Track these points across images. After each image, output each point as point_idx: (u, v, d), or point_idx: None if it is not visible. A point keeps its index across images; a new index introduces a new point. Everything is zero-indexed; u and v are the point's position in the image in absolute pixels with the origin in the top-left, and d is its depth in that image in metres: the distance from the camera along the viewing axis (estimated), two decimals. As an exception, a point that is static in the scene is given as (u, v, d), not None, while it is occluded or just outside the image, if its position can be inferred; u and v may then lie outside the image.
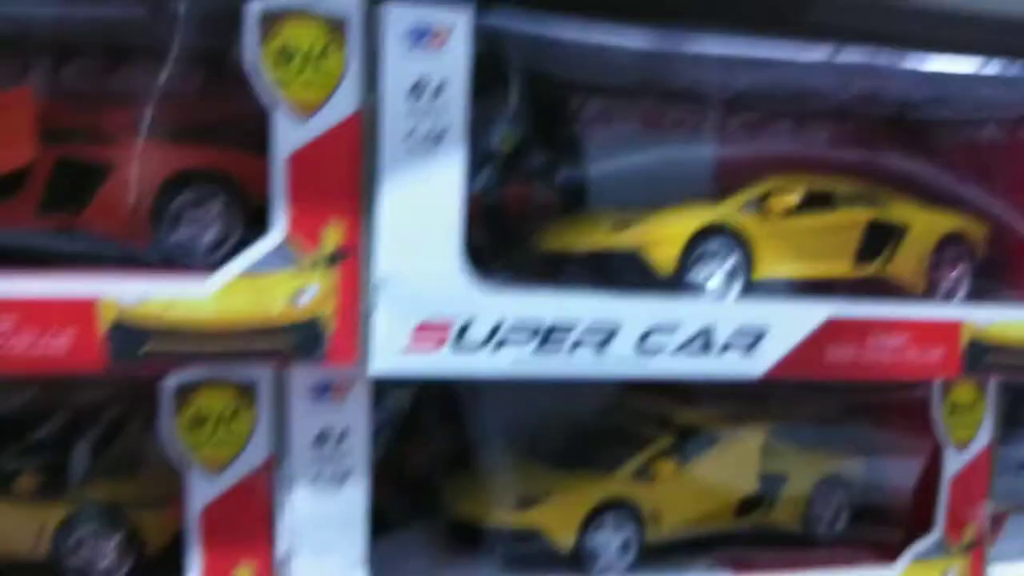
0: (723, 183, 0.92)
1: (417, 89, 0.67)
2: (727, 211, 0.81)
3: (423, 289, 0.68)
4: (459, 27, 0.67)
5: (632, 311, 0.73)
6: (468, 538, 0.87)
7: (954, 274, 0.90)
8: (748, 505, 0.93)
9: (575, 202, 1.00)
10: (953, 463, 0.91)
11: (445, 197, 0.68)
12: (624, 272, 0.78)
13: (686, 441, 0.90)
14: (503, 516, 0.85)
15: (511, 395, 0.98)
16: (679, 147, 1.01)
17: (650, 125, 1.00)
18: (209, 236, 0.73)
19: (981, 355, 0.82)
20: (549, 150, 0.99)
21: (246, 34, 0.64)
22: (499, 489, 0.88)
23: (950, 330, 0.81)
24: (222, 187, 0.73)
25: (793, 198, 0.82)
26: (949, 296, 0.90)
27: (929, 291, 0.88)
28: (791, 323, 0.77)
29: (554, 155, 1.00)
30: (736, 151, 1.00)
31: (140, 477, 0.80)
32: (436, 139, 0.67)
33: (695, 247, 0.78)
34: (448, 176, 0.68)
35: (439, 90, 0.67)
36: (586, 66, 0.84)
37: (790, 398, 0.99)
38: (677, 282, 0.78)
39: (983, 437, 0.92)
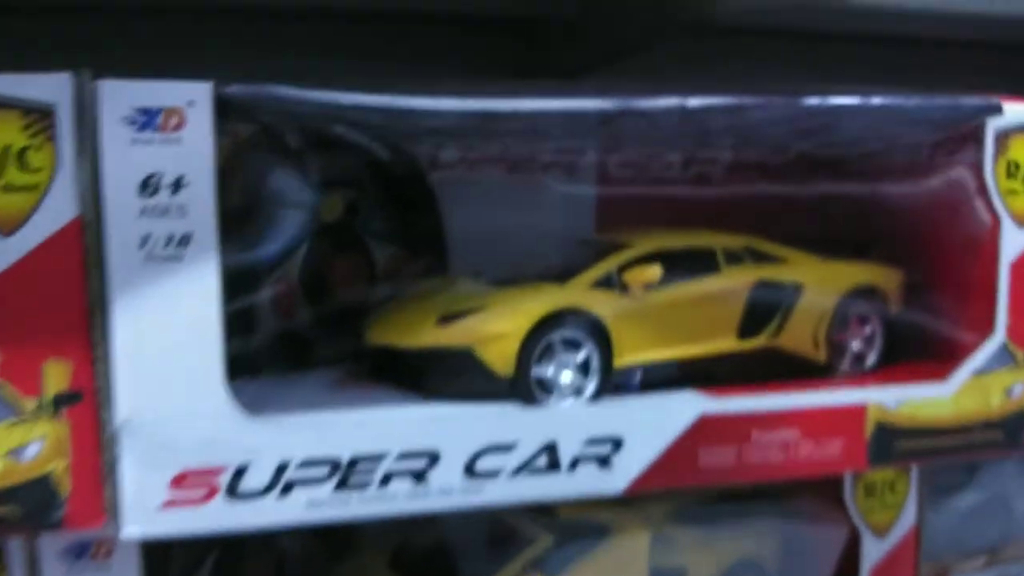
0: (605, 235, 0.79)
1: (149, 185, 0.54)
2: (574, 293, 0.68)
3: (180, 430, 0.55)
4: (199, 105, 0.54)
5: (456, 431, 0.61)
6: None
7: (863, 334, 0.78)
8: (641, 612, 0.81)
9: (434, 263, 0.87)
10: (872, 551, 0.79)
11: (198, 316, 0.55)
12: (457, 374, 0.65)
13: (563, 544, 0.78)
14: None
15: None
16: (552, 192, 0.89)
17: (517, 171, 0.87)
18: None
19: (891, 442, 0.70)
20: (394, 209, 0.87)
21: (-80, 135, 0.51)
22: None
23: (852, 417, 0.69)
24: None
25: (654, 271, 0.69)
26: (858, 362, 0.77)
27: (831, 360, 0.76)
28: (654, 426, 0.64)
29: (402, 214, 0.87)
30: (618, 201, 0.88)
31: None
32: (180, 245, 0.54)
33: (537, 340, 0.65)
34: (200, 289, 0.55)
35: (178, 184, 0.54)
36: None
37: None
38: (519, 382, 0.65)
39: (907, 519, 0.80)
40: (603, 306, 0.67)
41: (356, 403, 0.63)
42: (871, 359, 0.78)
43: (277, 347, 0.71)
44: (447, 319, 0.66)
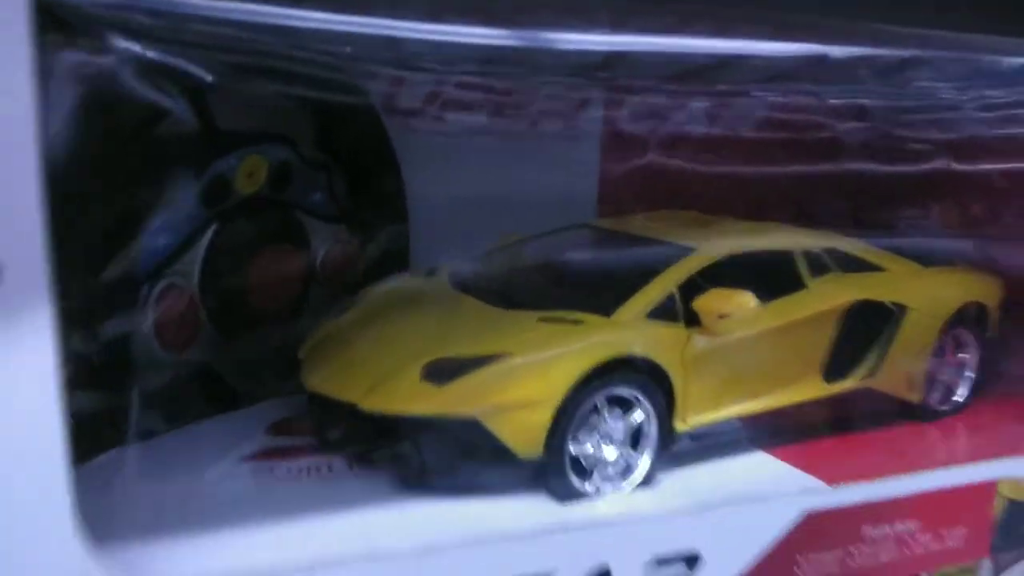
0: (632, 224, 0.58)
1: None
2: (627, 331, 0.46)
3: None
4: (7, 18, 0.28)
5: (455, 561, 0.40)
6: None
7: (956, 362, 0.61)
8: None
9: (394, 250, 0.63)
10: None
11: (26, 408, 0.31)
12: (456, 456, 0.43)
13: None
14: None
15: None
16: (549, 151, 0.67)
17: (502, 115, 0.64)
18: None
19: (1021, 524, 0.53)
20: (341, 174, 0.62)
21: None
22: None
23: (978, 498, 0.51)
24: None
25: (744, 300, 0.48)
26: (946, 395, 0.60)
27: (926, 398, 0.58)
28: (745, 532, 0.45)
29: (351, 180, 0.62)
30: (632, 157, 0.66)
31: None
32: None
33: (578, 404, 0.44)
34: (28, 365, 0.31)
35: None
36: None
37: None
38: (550, 466, 0.44)
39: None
40: (665, 348, 0.46)
41: (289, 512, 0.40)
42: (961, 392, 0.61)
43: (167, 395, 0.47)
44: (439, 372, 0.43)
